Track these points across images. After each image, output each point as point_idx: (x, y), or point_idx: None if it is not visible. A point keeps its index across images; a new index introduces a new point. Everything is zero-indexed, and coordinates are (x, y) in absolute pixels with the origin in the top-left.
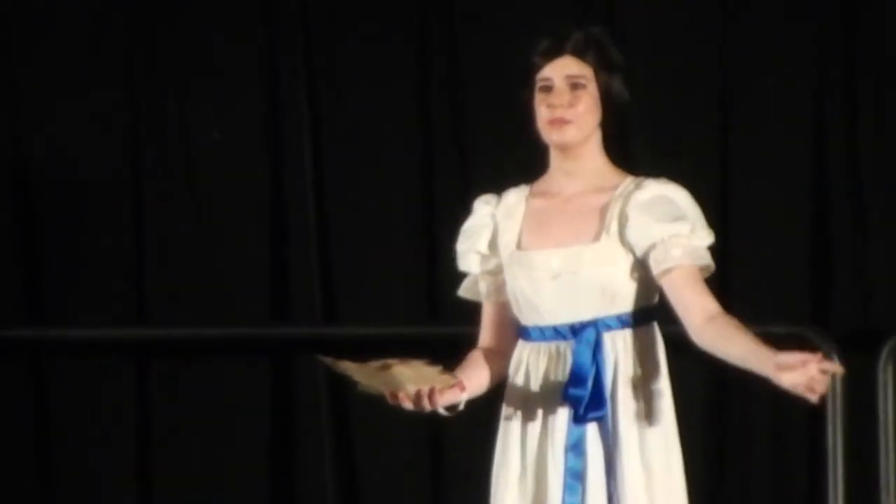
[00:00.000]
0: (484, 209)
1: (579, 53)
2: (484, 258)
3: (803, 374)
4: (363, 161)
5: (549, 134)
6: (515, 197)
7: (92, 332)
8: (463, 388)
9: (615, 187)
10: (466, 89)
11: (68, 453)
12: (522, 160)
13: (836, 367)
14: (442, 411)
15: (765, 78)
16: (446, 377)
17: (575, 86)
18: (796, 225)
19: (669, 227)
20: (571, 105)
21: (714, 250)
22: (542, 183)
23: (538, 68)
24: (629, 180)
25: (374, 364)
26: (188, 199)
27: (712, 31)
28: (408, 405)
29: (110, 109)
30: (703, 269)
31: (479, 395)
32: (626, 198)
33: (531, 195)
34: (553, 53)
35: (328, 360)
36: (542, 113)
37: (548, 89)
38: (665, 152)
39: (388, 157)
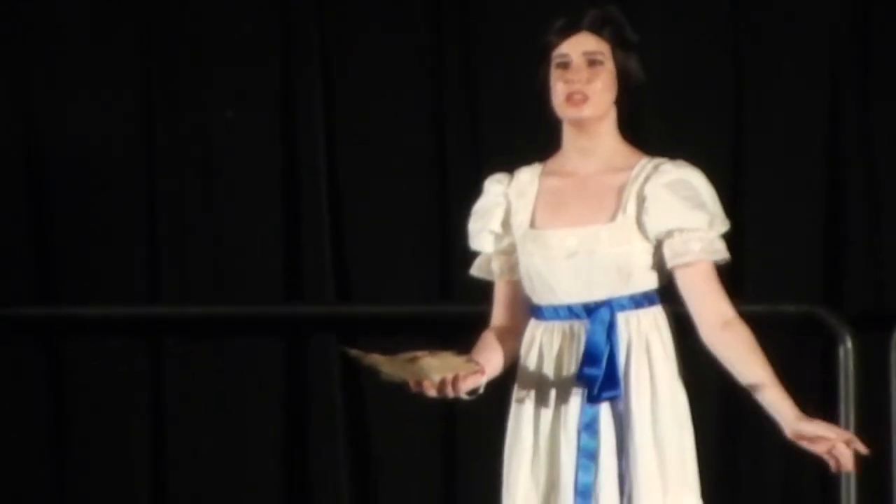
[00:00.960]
0: (496, 188)
1: (596, 30)
2: (497, 237)
3: (824, 447)
4: (375, 141)
5: (565, 110)
6: (528, 175)
7: (105, 310)
8: (483, 372)
9: (632, 167)
10: (480, 69)
11: (81, 432)
12: (535, 139)
13: (862, 448)
14: (464, 396)
15: (780, 59)
16: (470, 364)
17: (592, 62)
18: (809, 205)
19: (689, 217)
20: (589, 81)
21: (728, 231)
22: (556, 161)
23: (554, 45)
24: (646, 160)
25: (404, 356)
26: (201, 179)
27: (725, 18)
28: (432, 393)
29: (123, 90)
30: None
31: (496, 376)
32: (644, 179)
33: (544, 173)
34: (570, 29)
35: (356, 352)
36: (559, 89)
37: (565, 66)
38: (678, 131)
39: (401, 137)
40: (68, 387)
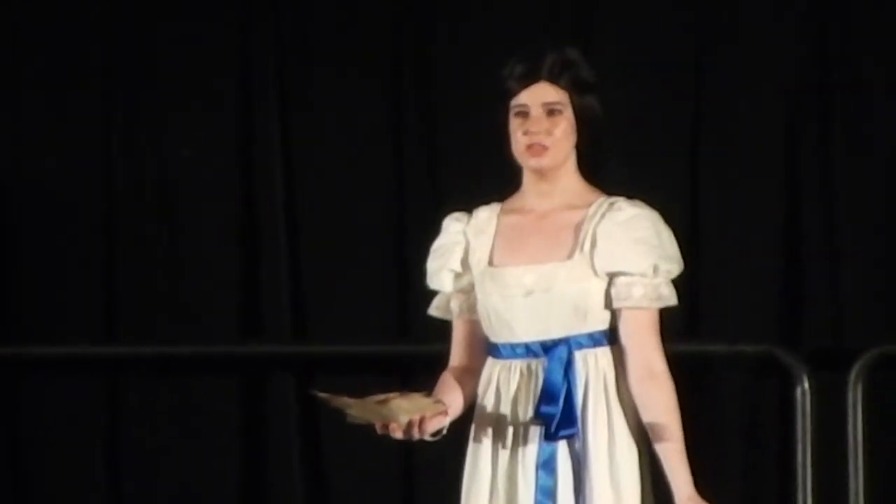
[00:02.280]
0: (455, 226)
1: (555, 79)
2: (457, 276)
3: None
4: (334, 180)
5: (526, 160)
6: (486, 214)
7: (62, 349)
8: (447, 413)
9: (589, 205)
10: (438, 108)
11: (38, 471)
12: (494, 176)
13: None
14: (428, 438)
15: (737, 98)
16: (437, 405)
17: (551, 112)
18: (766, 244)
19: (634, 260)
20: (548, 132)
21: (684, 270)
22: (515, 200)
23: (513, 93)
24: (603, 199)
25: (374, 398)
26: (159, 217)
27: (686, 51)
28: (398, 435)
29: (82, 129)
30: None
31: (457, 416)
32: (600, 218)
33: (503, 212)
34: (528, 79)
35: (324, 395)
36: (519, 139)
37: (524, 115)
38: (636, 170)
39: (359, 176)
40: (25, 426)
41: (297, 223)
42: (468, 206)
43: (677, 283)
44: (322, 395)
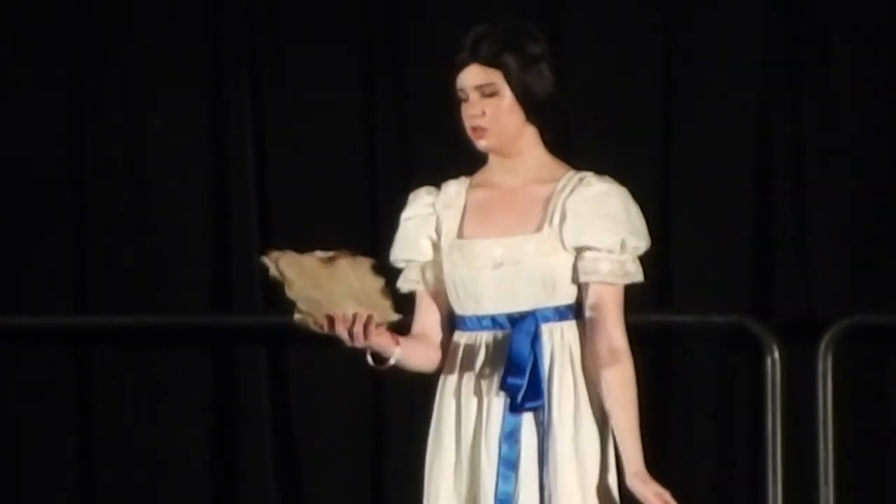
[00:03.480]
0: (426, 198)
1: (485, 59)
2: (434, 245)
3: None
4: (305, 152)
5: (472, 142)
6: (455, 188)
7: (32, 320)
8: (397, 343)
9: (558, 179)
10: (410, 86)
11: (7, 442)
12: (465, 156)
13: None
14: (370, 359)
15: (709, 70)
16: (387, 305)
17: (485, 94)
18: (737, 215)
19: (602, 236)
20: (484, 114)
21: (654, 241)
22: (483, 174)
23: (453, 78)
24: (572, 173)
25: (321, 255)
26: (129, 188)
27: (656, 27)
28: (342, 331)
29: (51, 100)
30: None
31: (409, 366)
32: (569, 192)
33: (471, 187)
34: (462, 63)
35: (274, 254)
36: (463, 121)
37: (465, 99)
38: (607, 141)
39: (330, 149)
40: None
41: (269, 194)
42: (439, 181)
43: (645, 258)
44: (271, 254)
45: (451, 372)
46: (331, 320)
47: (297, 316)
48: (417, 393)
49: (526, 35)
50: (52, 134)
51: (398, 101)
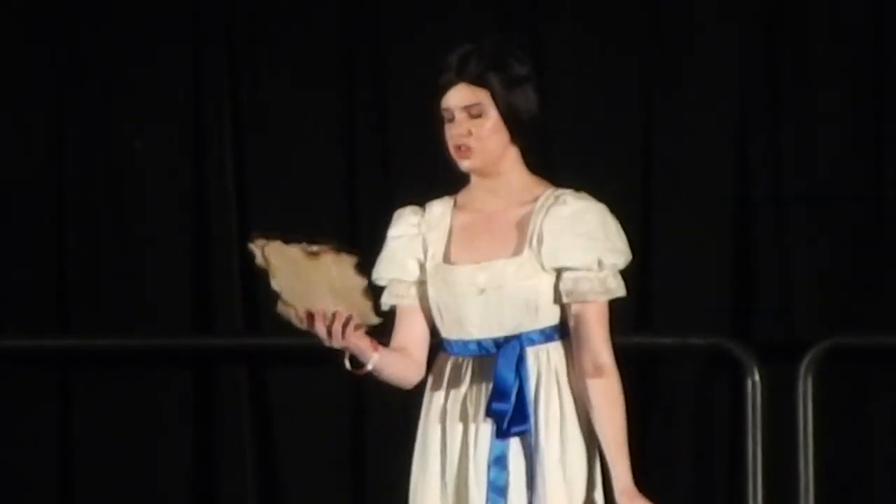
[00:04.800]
0: (412, 218)
1: (473, 79)
2: (420, 266)
3: None
4: (286, 173)
5: (457, 162)
6: (440, 209)
7: (13, 342)
8: (376, 349)
9: (536, 199)
10: (391, 100)
11: None
12: (447, 172)
13: None
14: (347, 363)
15: (688, 88)
16: (367, 306)
17: (471, 114)
18: (717, 236)
19: (579, 255)
20: (470, 133)
21: (635, 262)
22: (467, 196)
23: (438, 97)
24: (549, 192)
25: (307, 247)
26: (111, 209)
27: (634, 42)
28: (321, 328)
29: (33, 119)
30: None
31: (386, 377)
32: (545, 213)
33: (456, 208)
34: (448, 83)
35: (260, 241)
36: (448, 141)
37: (450, 119)
38: (587, 163)
39: (312, 168)
40: None
41: (250, 215)
42: (421, 198)
43: (626, 274)
44: (257, 241)
45: (436, 395)
46: (311, 316)
47: (280, 306)
48: (399, 414)
49: (513, 55)
50: (33, 155)
51: (380, 120)
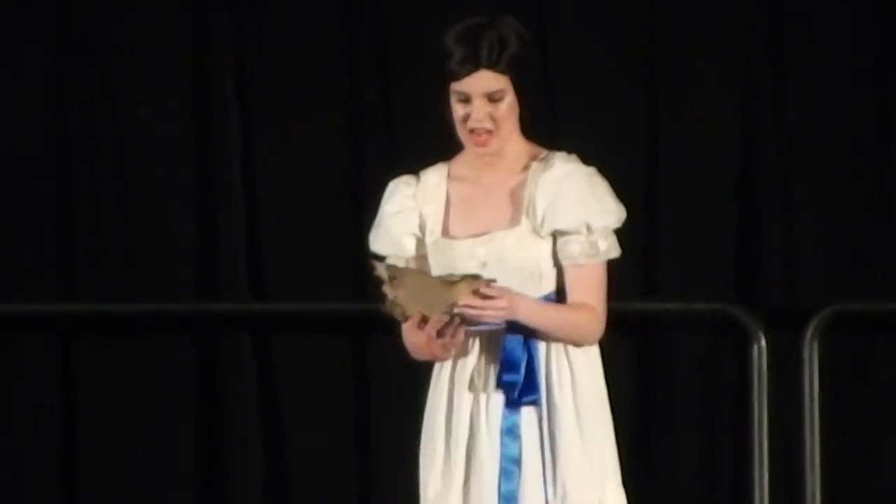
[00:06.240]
0: (405, 190)
1: (494, 65)
2: (418, 241)
3: None
4: (290, 138)
5: (469, 143)
6: (435, 179)
7: (17, 307)
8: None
9: (529, 166)
10: (395, 68)
11: None
12: (450, 140)
13: None
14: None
15: (694, 56)
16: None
17: (492, 99)
18: (722, 203)
19: (567, 218)
20: (491, 116)
21: (639, 226)
22: (462, 165)
23: (453, 76)
24: (540, 158)
25: (446, 277)
26: (115, 175)
27: (640, 18)
28: (431, 331)
29: (36, 88)
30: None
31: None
32: (536, 180)
33: (451, 179)
34: (468, 67)
35: (383, 264)
36: (461, 122)
37: (466, 100)
38: (593, 133)
39: (316, 134)
40: None
41: (255, 182)
42: (424, 166)
43: (630, 240)
44: (383, 265)
45: (445, 368)
46: (423, 318)
47: (388, 307)
48: (403, 381)
49: (524, 34)
50: (37, 123)
51: (384, 88)
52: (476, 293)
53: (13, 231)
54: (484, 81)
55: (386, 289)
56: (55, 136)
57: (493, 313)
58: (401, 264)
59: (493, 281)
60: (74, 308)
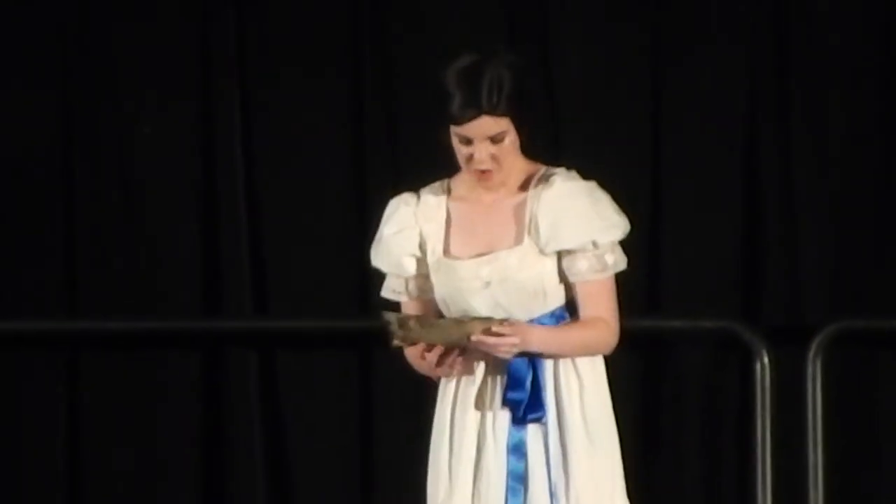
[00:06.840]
0: (405, 210)
1: (494, 109)
2: (418, 261)
3: None
4: (294, 155)
5: (472, 178)
6: (434, 200)
7: (22, 325)
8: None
9: (529, 185)
10: (398, 84)
11: None
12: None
13: None
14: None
15: (697, 72)
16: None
17: (494, 141)
18: (727, 219)
19: (571, 236)
20: (494, 157)
21: (644, 244)
22: (462, 184)
23: (454, 121)
24: (539, 175)
25: (457, 319)
26: (120, 192)
27: (644, 32)
28: (432, 357)
29: (42, 102)
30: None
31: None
32: (537, 198)
33: (451, 199)
34: (468, 114)
35: (394, 315)
36: (464, 159)
37: (468, 142)
38: (596, 148)
39: (320, 151)
40: None
41: (259, 198)
42: (428, 180)
43: (635, 258)
44: (393, 315)
45: (450, 385)
46: (429, 347)
47: (395, 342)
48: (407, 396)
49: (519, 64)
50: (42, 139)
51: (386, 100)
52: (487, 331)
53: (18, 248)
54: (485, 127)
55: (394, 330)
56: (59, 154)
57: (506, 350)
58: (401, 284)
59: (505, 321)
60: (80, 325)
